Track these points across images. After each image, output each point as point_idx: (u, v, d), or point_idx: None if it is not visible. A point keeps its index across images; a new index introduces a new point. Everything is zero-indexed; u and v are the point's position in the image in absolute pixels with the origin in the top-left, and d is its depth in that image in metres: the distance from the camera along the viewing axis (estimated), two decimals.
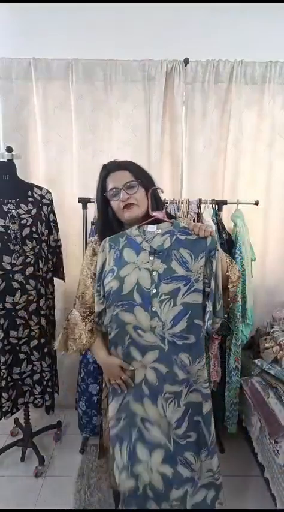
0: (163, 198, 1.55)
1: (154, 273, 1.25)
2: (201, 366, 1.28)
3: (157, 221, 1.33)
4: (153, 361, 1.25)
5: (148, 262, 1.27)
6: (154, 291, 1.24)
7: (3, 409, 1.87)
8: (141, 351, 1.26)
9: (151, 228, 1.32)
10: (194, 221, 1.96)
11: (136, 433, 1.26)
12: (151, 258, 1.27)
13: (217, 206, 2.12)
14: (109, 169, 1.40)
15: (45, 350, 1.92)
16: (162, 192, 1.44)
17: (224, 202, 2.12)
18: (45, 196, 1.89)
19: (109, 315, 1.31)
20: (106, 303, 1.31)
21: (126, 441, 1.27)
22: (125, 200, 1.33)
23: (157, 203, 1.41)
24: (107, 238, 1.35)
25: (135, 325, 1.25)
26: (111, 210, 1.40)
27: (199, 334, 1.25)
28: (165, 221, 1.34)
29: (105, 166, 1.43)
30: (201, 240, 1.28)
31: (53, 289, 2.04)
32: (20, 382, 1.92)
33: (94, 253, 1.43)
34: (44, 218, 1.86)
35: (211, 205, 2.09)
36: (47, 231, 1.90)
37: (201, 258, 1.26)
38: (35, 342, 1.89)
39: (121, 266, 1.29)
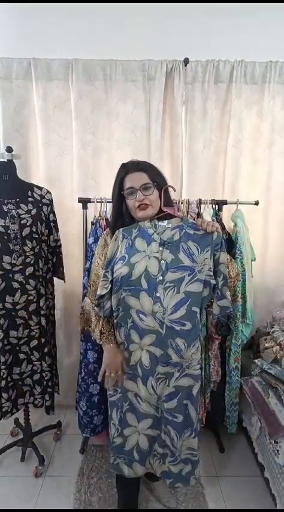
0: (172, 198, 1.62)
1: (163, 262, 1.36)
2: (195, 350, 1.39)
3: (168, 216, 1.45)
4: (149, 344, 1.36)
5: (157, 252, 1.38)
6: (161, 278, 1.34)
7: (3, 409, 1.87)
8: (140, 334, 1.37)
9: (163, 222, 1.44)
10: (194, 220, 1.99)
11: (126, 405, 1.44)
12: (161, 248, 1.39)
13: (217, 206, 2.12)
14: (128, 169, 1.48)
15: (45, 350, 1.92)
16: (174, 190, 1.52)
17: (224, 202, 2.12)
18: (45, 196, 1.89)
19: (116, 300, 1.41)
20: (115, 288, 1.41)
21: (119, 409, 1.46)
22: (141, 201, 1.42)
23: (168, 200, 1.50)
24: (121, 229, 1.48)
25: (138, 310, 1.36)
26: (125, 206, 1.49)
27: (195, 321, 1.36)
28: (176, 216, 1.45)
29: (124, 166, 1.50)
30: (208, 235, 1.40)
31: (53, 289, 2.04)
32: (20, 382, 1.92)
33: (106, 244, 1.53)
34: (44, 218, 1.86)
35: (211, 205, 2.10)
36: (47, 231, 1.90)
37: (207, 252, 1.38)
38: (35, 342, 1.89)
39: (132, 254, 1.39)
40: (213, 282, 1.38)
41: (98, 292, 1.45)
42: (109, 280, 1.43)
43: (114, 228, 1.51)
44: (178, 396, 1.39)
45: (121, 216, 1.51)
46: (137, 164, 1.49)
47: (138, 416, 1.44)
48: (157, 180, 1.47)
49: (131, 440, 1.46)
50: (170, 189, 1.50)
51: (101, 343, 1.47)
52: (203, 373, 2.04)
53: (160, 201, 1.45)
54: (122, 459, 1.49)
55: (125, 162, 1.52)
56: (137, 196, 1.41)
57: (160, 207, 1.45)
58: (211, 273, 1.37)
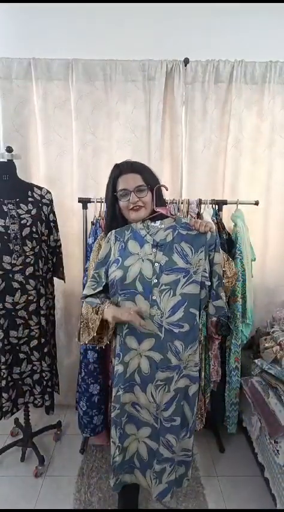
0: (164, 198, 1.59)
1: (156, 264, 1.33)
2: (192, 351, 1.37)
3: (160, 216, 1.42)
4: (148, 349, 1.33)
5: (151, 254, 1.35)
6: (155, 281, 1.32)
7: (3, 409, 1.87)
8: (138, 339, 1.34)
9: (155, 223, 1.41)
10: None
11: (125, 419, 1.42)
12: (154, 250, 1.36)
13: (217, 206, 2.12)
14: (121, 170, 1.44)
15: (45, 350, 1.92)
16: (166, 189, 1.49)
17: (224, 202, 2.12)
18: (45, 196, 1.89)
19: None
20: (111, 291, 1.40)
21: (118, 426, 1.42)
22: (134, 203, 1.39)
23: (160, 200, 1.48)
24: (113, 231, 1.44)
25: None
26: (118, 207, 1.46)
27: (193, 322, 1.34)
28: (168, 217, 1.42)
29: (118, 166, 1.47)
30: (201, 235, 1.37)
31: (53, 289, 2.05)
32: (20, 382, 1.92)
33: (100, 248, 1.51)
34: (44, 218, 1.86)
35: (211, 205, 2.10)
36: (47, 231, 1.90)
37: (201, 252, 1.35)
38: (35, 342, 1.89)
39: (126, 257, 1.37)
40: (208, 283, 1.36)
41: (84, 292, 1.43)
42: (98, 282, 1.41)
43: (109, 229, 1.48)
44: (176, 399, 1.37)
45: (116, 218, 1.49)
46: (131, 165, 1.45)
47: (137, 424, 1.42)
48: (151, 181, 1.44)
49: (131, 448, 1.44)
50: (162, 188, 1.47)
51: (98, 317, 1.35)
52: (203, 373, 2.04)
53: (153, 201, 1.42)
54: (123, 471, 1.46)
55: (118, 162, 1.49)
56: (131, 198, 1.39)
57: (153, 207, 1.42)
58: (207, 274, 1.35)
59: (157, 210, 1.41)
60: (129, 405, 1.41)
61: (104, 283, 1.42)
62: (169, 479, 1.42)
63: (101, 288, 1.41)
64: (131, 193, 1.39)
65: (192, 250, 1.35)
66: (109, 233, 1.45)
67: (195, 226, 1.38)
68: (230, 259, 1.61)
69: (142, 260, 1.35)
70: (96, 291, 1.41)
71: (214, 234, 1.38)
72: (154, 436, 1.41)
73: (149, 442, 1.42)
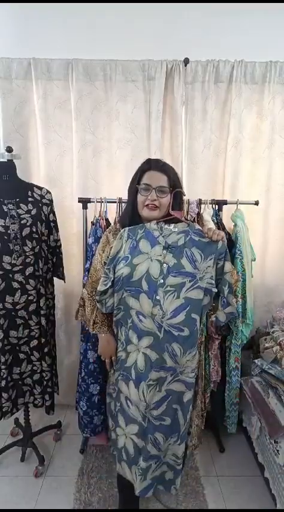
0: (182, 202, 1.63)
1: (165, 265, 1.35)
2: (191, 357, 1.38)
3: (175, 220, 1.44)
4: (146, 346, 1.35)
5: (160, 255, 1.38)
6: (161, 281, 1.34)
7: (3, 409, 1.87)
8: (138, 335, 1.37)
9: (169, 226, 1.44)
10: (193, 221, 2.01)
11: (118, 405, 1.48)
12: (164, 251, 1.38)
13: (217, 206, 2.12)
14: (151, 165, 1.48)
15: (45, 350, 1.92)
16: (184, 195, 1.52)
17: (224, 202, 2.12)
18: (45, 196, 1.89)
19: (117, 298, 1.42)
20: (116, 287, 1.42)
21: (113, 410, 1.52)
22: (152, 200, 1.42)
23: (179, 204, 1.51)
24: (126, 228, 1.46)
25: (137, 311, 1.36)
26: (136, 201, 1.48)
27: (193, 328, 1.35)
28: (182, 221, 1.45)
29: (148, 161, 1.51)
30: (213, 243, 1.40)
31: (53, 289, 2.05)
32: (20, 382, 1.92)
33: (108, 242, 1.54)
34: (43, 218, 1.86)
35: (211, 205, 2.09)
36: (46, 231, 1.90)
37: (210, 260, 1.38)
38: (35, 342, 1.89)
39: (136, 255, 1.39)
40: (215, 290, 1.38)
41: (98, 288, 1.47)
42: (110, 278, 1.44)
43: (125, 222, 1.51)
44: (168, 399, 1.38)
45: (133, 212, 1.51)
46: (162, 164, 1.49)
47: (125, 419, 1.45)
48: (175, 186, 1.47)
49: (120, 441, 1.49)
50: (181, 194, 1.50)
51: (94, 332, 1.53)
52: (203, 373, 2.04)
53: (169, 204, 1.45)
54: (116, 454, 1.53)
55: (150, 158, 1.56)
56: (150, 196, 1.42)
57: (168, 210, 1.44)
58: (213, 282, 1.37)
59: (173, 213, 1.43)
60: (123, 396, 1.45)
61: (112, 279, 1.44)
62: (153, 475, 1.45)
63: (111, 284, 1.44)
64: (152, 191, 1.42)
65: (201, 256, 1.37)
66: (122, 230, 1.47)
67: (207, 234, 1.40)
68: (233, 266, 1.64)
69: (151, 260, 1.37)
70: (107, 287, 1.44)
71: (225, 243, 1.42)
72: (141, 434, 1.42)
73: (136, 439, 1.44)
